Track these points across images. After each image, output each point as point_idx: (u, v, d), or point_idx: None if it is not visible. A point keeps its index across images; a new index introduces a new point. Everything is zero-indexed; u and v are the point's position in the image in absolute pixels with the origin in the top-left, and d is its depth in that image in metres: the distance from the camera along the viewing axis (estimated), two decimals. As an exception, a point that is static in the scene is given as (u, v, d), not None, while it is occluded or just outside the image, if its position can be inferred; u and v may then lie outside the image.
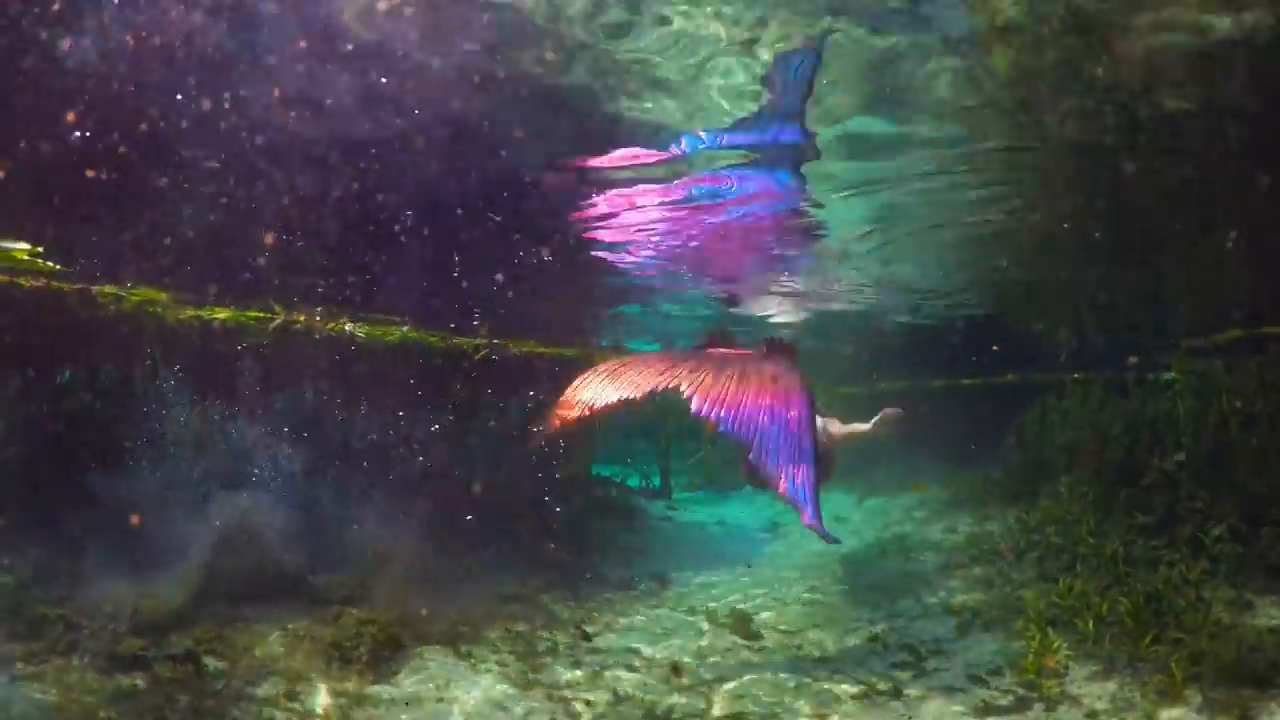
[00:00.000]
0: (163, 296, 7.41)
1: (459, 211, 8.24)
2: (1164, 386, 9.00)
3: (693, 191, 8.24)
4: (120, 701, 4.48)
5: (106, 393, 7.18)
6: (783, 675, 6.34)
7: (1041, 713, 5.44)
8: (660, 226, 9.46)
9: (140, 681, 4.59)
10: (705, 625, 7.66)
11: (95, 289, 7.02)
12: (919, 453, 14.38)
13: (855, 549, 11.02)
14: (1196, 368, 8.44)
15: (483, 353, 10.05)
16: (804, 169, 7.56)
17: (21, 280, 6.63)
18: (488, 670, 5.94)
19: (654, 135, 6.73)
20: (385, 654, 5.65)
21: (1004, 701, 5.65)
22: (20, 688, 4.50)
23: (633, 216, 8.99)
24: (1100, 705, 5.41)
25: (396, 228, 8.29)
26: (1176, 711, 5.17)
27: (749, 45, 5.30)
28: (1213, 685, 5.29)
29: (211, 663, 5.14)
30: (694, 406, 6.03)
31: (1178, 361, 8.79)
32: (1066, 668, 5.97)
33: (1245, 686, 5.22)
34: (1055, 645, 6.19)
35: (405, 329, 9.63)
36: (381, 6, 4.99)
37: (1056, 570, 7.67)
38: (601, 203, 8.46)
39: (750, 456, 6.08)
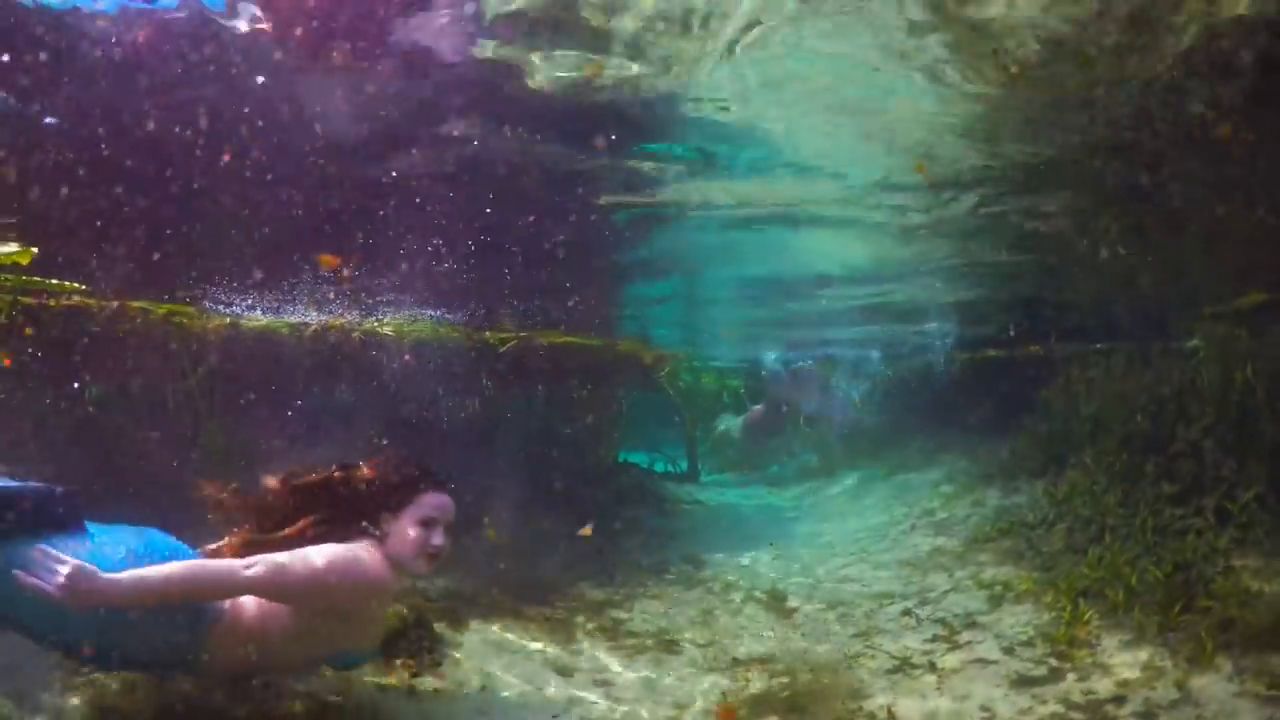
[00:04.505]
0: (190, 309, 7.60)
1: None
2: (1188, 354, 8.99)
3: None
4: (172, 706, 4.62)
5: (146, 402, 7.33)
6: (818, 652, 6.44)
7: (1074, 682, 5.52)
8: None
9: (191, 687, 4.72)
10: (739, 605, 7.77)
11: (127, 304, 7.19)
12: (946, 428, 14.42)
13: (885, 524, 11.09)
14: (1220, 334, 8.43)
15: (510, 345, 10.17)
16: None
17: (50, 302, 6.78)
18: (528, 657, 6.07)
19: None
20: (426, 645, 5.78)
21: (1037, 672, 5.73)
22: (70, 698, 4.64)
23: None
24: (1132, 674, 5.48)
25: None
26: (1207, 679, 5.23)
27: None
28: (1243, 652, 5.35)
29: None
30: None
31: (1200, 328, 8.78)
32: (1098, 638, 6.04)
33: (1275, 652, 5.28)
34: (1086, 616, 6.26)
35: (437, 325, 9.82)
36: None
37: (1085, 541, 7.72)
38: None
39: None
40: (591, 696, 5.59)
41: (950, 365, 16.62)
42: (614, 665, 6.16)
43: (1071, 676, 5.59)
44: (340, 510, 4.45)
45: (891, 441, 15.61)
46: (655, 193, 8.27)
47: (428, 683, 5.47)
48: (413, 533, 4.39)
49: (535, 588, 7.52)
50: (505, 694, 5.51)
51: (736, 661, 6.30)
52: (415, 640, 5.76)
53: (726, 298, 15.43)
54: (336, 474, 4.51)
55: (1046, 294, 13.02)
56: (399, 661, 5.59)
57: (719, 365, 23.21)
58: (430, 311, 10.78)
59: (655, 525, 10.90)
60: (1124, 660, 5.67)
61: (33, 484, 4.14)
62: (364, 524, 4.47)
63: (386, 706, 5.11)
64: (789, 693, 5.66)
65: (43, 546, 3.69)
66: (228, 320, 8.31)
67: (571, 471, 10.35)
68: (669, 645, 6.62)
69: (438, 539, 4.44)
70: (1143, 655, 5.69)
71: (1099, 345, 11.27)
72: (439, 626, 6.13)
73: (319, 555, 4.08)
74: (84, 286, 7.21)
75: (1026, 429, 11.12)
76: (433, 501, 4.49)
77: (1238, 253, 9.04)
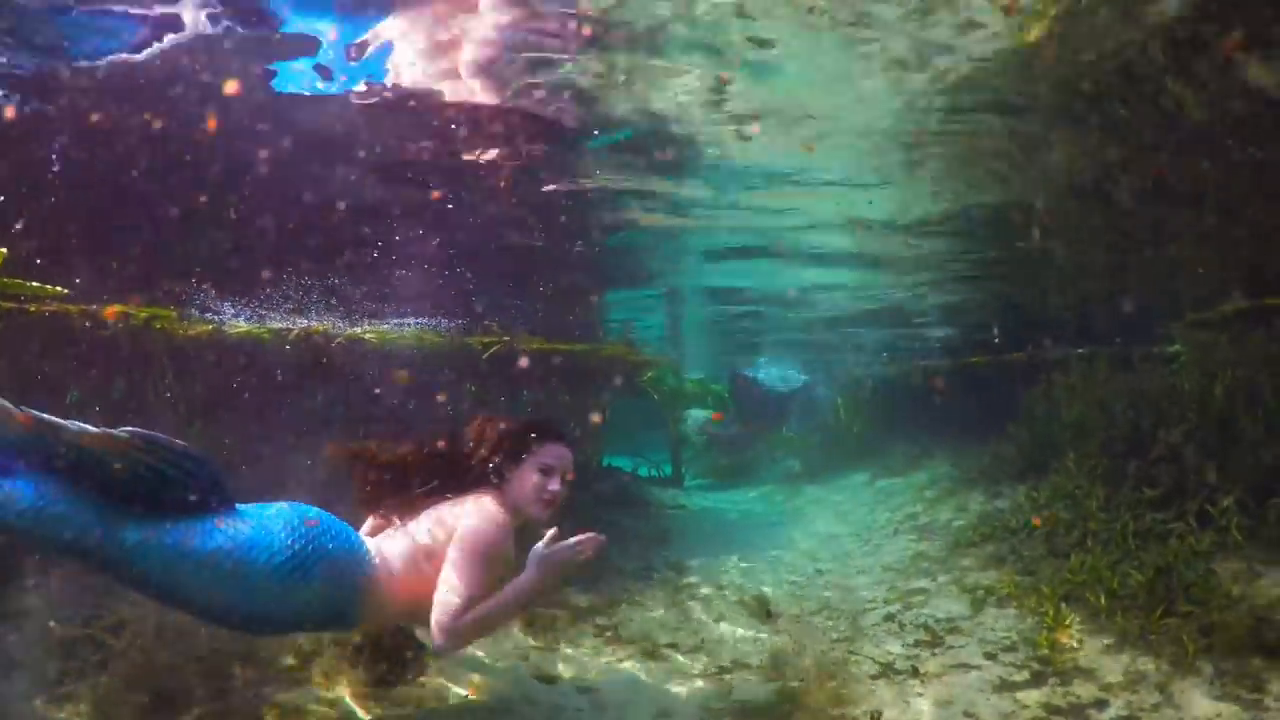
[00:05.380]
0: (170, 313, 7.56)
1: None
2: (1168, 360, 9.04)
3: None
4: (154, 716, 4.59)
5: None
6: (802, 657, 6.43)
7: (1056, 687, 5.53)
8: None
9: (173, 695, 4.69)
10: (724, 610, 7.75)
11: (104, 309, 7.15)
12: (929, 433, 14.47)
13: (869, 529, 11.11)
14: (1200, 340, 8.48)
15: (494, 349, 10.14)
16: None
17: (30, 307, 6.72)
18: (511, 664, 6.04)
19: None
20: (410, 655, 5.73)
21: (1020, 677, 5.74)
22: (52, 709, 4.60)
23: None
24: (1114, 678, 5.50)
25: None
26: (1188, 683, 5.26)
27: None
28: (1224, 656, 5.38)
29: (240, 671, 5.24)
30: None
31: (1182, 334, 8.84)
32: (1080, 642, 6.06)
33: (1256, 656, 5.31)
34: (1068, 620, 6.28)
35: (416, 329, 9.82)
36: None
37: (1067, 546, 7.75)
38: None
39: None
40: (575, 703, 5.57)
41: (934, 370, 16.69)
42: (598, 672, 6.14)
43: (1054, 681, 5.61)
44: (472, 465, 4.78)
45: (875, 446, 15.65)
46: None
47: (413, 692, 5.44)
48: (534, 479, 4.71)
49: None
50: (487, 702, 5.49)
51: (721, 668, 6.28)
52: (396, 648, 5.72)
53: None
54: (471, 432, 4.88)
55: (1030, 300, 13.12)
56: (379, 669, 5.55)
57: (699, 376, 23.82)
58: (414, 319, 11.09)
59: (639, 530, 10.88)
60: (1106, 664, 5.70)
61: (193, 450, 4.05)
62: (488, 474, 4.78)
63: (365, 715, 5.08)
64: (773, 698, 5.66)
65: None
66: (209, 326, 8.26)
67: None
68: (653, 651, 6.60)
69: (555, 485, 4.75)
70: (1125, 659, 5.71)
71: (1081, 350, 11.32)
72: (419, 633, 6.10)
73: (476, 522, 4.46)
74: (64, 290, 7.17)
75: (1010, 434, 11.17)
76: (554, 450, 4.80)
77: (1220, 262, 9.15)
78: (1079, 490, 8.45)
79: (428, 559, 4.45)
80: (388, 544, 4.53)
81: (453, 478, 4.76)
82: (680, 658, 6.52)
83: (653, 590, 8.43)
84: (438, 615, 4.21)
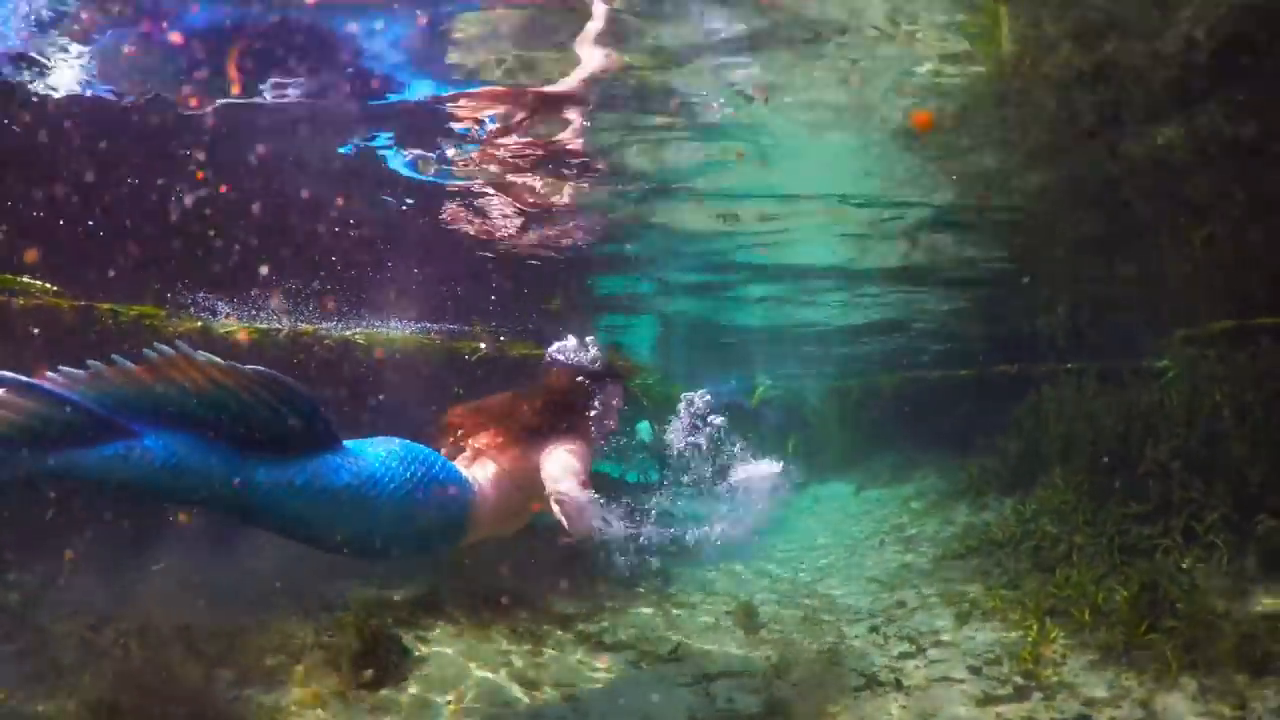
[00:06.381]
0: (160, 312, 7.52)
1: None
2: (1156, 376, 9.06)
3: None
4: (135, 714, 4.55)
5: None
6: (787, 667, 6.42)
7: (1040, 701, 5.52)
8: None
9: (154, 696, 4.65)
10: (709, 619, 7.73)
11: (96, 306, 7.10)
12: (916, 444, 14.48)
13: (855, 540, 11.09)
14: (1188, 357, 8.50)
15: (480, 354, 10.12)
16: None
17: (19, 300, 6.67)
18: (494, 670, 6.01)
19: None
20: (393, 660, 5.71)
21: (1003, 691, 5.73)
22: (30, 707, 4.56)
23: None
24: (1097, 694, 5.49)
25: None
26: (1172, 698, 5.26)
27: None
28: (1208, 672, 5.38)
29: (224, 674, 5.21)
30: None
31: (1170, 351, 8.86)
32: (1064, 657, 6.06)
33: (1240, 672, 5.32)
34: (1053, 634, 6.28)
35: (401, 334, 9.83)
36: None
37: (1053, 560, 7.76)
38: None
39: None
40: (558, 711, 5.55)
41: (922, 382, 16.72)
42: (581, 679, 6.11)
43: (1038, 695, 5.60)
44: (555, 407, 5.15)
45: (862, 457, 15.66)
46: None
47: (394, 698, 5.41)
48: (599, 414, 5.23)
49: (502, 599, 7.45)
50: (470, 707, 5.46)
51: (706, 676, 6.26)
52: (380, 652, 5.69)
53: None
54: (553, 380, 5.31)
55: (1022, 313, 13.14)
56: (362, 673, 5.53)
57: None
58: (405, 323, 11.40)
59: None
60: (1090, 679, 5.69)
61: (304, 390, 4.06)
62: (566, 413, 5.17)
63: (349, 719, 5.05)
64: (758, 708, 5.64)
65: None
66: (199, 324, 8.21)
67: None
68: (637, 659, 6.57)
69: (612, 420, 5.36)
70: (1108, 674, 5.71)
71: (1070, 365, 11.35)
72: (405, 638, 6.07)
73: (569, 453, 4.88)
74: (53, 287, 7.13)
75: (997, 446, 11.18)
76: (614, 390, 5.37)
77: (1211, 280, 9.17)
78: (1065, 504, 8.47)
79: (515, 487, 4.84)
80: (478, 472, 4.81)
81: (538, 419, 5.06)
82: (664, 666, 6.49)
83: (637, 597, 8.40)
84: (565, 482, 4.66)
